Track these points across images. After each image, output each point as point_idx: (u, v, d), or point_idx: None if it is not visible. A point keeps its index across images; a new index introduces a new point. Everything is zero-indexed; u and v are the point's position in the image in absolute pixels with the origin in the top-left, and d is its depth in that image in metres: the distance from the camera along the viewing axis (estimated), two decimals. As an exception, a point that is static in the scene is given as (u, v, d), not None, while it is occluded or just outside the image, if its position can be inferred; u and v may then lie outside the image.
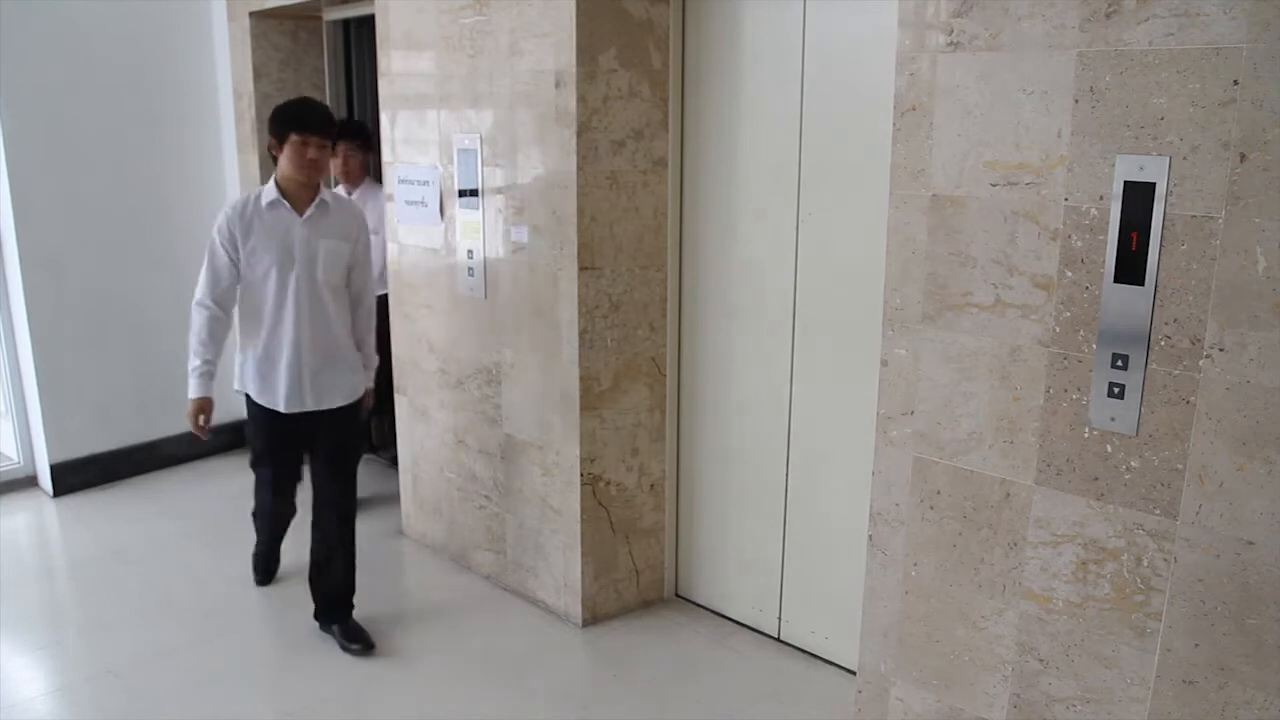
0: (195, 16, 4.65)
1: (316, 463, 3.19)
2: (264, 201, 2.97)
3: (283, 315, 3.00)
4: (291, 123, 2.92)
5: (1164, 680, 1.96)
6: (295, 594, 3.48)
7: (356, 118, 4.66)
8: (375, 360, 3.29)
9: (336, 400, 3.12)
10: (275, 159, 2.98)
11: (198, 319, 3.01)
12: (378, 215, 4.02)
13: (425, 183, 3.57)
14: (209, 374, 3.03)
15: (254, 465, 3.40)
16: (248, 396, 3.13)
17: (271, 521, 3.53)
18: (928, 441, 2.26)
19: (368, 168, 4.35)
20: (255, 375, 3.06)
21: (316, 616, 3.26)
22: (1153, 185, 1.84)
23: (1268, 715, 1.84)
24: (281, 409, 3.06)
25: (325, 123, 2.96)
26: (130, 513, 4.30)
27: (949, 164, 2.12)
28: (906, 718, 2.42)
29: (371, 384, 3.29)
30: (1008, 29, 2.00)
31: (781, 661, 3.10)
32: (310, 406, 3.08)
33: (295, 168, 2.93)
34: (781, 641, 3.20)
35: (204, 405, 3.06)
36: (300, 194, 2.99)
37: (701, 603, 3.43)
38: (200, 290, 3.02)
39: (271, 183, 2.99)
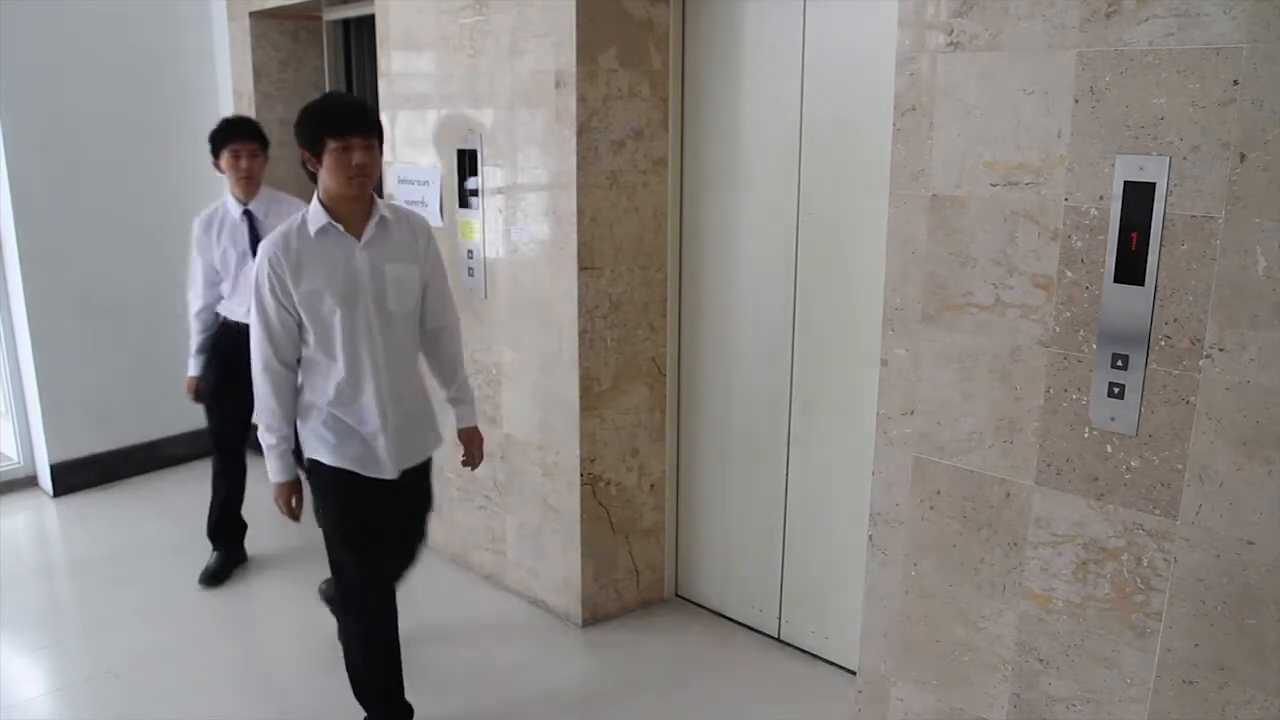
0: (195, 16, 4.65)
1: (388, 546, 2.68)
2: (312, 229, 2.42)
3: (357, 360, 2.47)
4: (325, 126, 2.37)
5: (1164, 680, 1.96)
6: (296, 594, 3.49)
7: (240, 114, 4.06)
8: (472, 394, 2.81)
9: (421, 455, 2.65)
10: (313, 175, 2.44)
11: (265, 386, 2.46)
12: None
13: (425, 183, 3.57)
14: (290, 449, 2.52)
15: (341, 556, 2.59)
16: (314, 466, 2.55)
17: (385, 647, 2.71)
18: (928, 441, 2.26)
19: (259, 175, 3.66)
20: (330, 435, 2.50)
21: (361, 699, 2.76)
22: (1153, 185, 1.84)
23: (1268, 715, 1.84)
24: (387, 473, 2.52)
25: (366, 119, 2.43)
26: (130, 513, 4.30)
27: (949, 164, 2.12)
28: (906, 718, 2.42)
29: (474, 420, 2.80)
30: (1008, 29, 2.00)
31: (781, 661, 3.10)
32: (404, 464, 2.58)
33: (340, 180, 2.38)
34: (781, 641, 3.20)
35: (295, 488, 2.55)
36: (352, 212, 2.45)
37: (701, 603, 3.43)
38: (259, 354, 2.47)
39: (315, 204, 2.44)
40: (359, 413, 2.48)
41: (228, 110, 4.67)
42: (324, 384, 2.47)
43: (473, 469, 2.84)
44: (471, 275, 3.44)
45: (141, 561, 3.82)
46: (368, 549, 2.56)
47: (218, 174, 3.55)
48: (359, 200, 2.44)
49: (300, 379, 2.53)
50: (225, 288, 3.57)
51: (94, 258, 4.43)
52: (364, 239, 2.45)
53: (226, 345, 3.52)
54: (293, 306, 2.41)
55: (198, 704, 2.89)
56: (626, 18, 2.98)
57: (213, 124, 3.51)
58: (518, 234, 3.24)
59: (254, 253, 3.24)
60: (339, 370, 2.45)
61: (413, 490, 2.66)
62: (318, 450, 2.50)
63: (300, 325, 2.44)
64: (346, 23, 4.53)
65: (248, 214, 3.52)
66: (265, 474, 2.54)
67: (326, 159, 2.36)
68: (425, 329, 2.64)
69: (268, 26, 4.48)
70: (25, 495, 4.50)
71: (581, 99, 2.94)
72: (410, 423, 2.57)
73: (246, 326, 3.16)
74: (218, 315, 3.61)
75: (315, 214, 2.42)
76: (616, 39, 2.97)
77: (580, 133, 2.96)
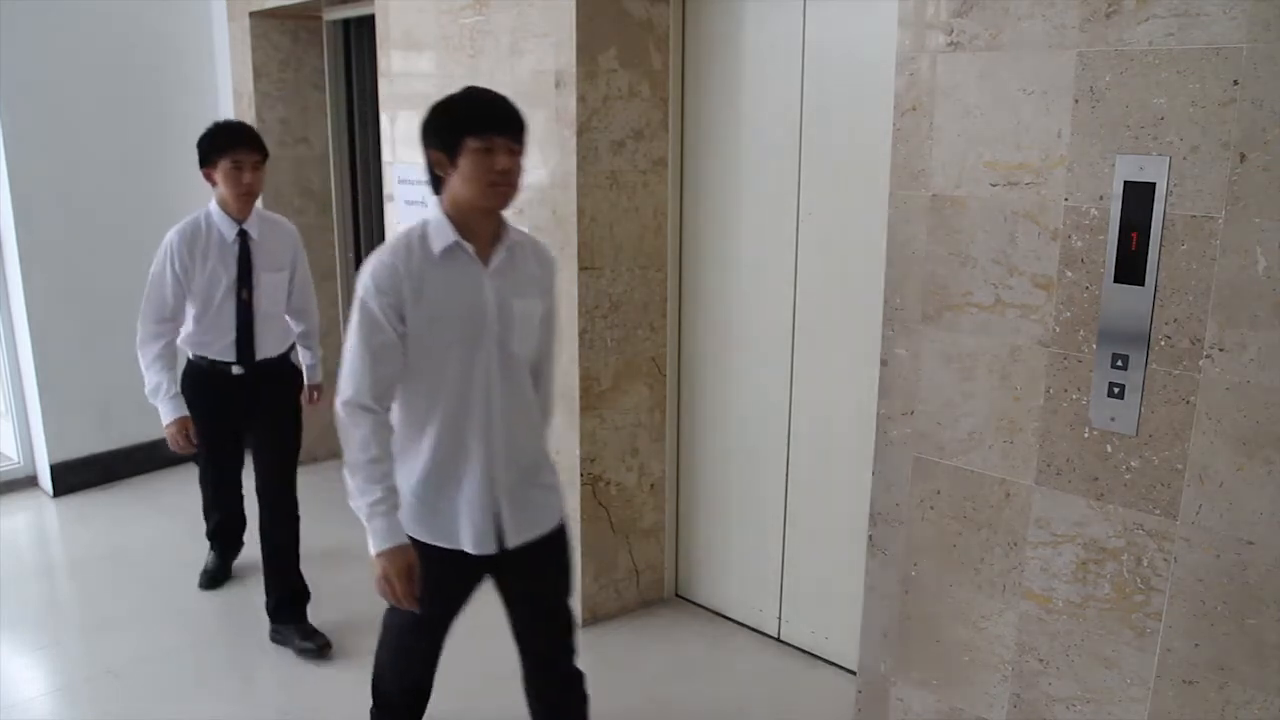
0: (195, 16, 4.65)
1: (526, 623, 2.22)
2: (436, 246, 1.96)
3: (467, 410, 2.01)
4: (466, 122, 1.94)
5: (1164, 680, 1.96)
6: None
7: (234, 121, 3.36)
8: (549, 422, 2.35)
9: (542, 527, 2.13)
10: (441, 180, 2.00)
11: (359, 429, 1.95)
12: (284, 256, 3.16)
13: (425, 183, 3.56)
14: (396, 507, 1.98)
15: (401, 639, 2.21)
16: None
17: None
18: (928, 441, 2.26)
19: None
20: (417, 504, 2.05)
21: None
22: (1153, 185, 1.84)
23: (1268, 715, 1.84)
24: (469, 548, 2.05)
25: (516, 118, 1.97)
26: (130, 513, 4.30)
27: (949, 164, 2.12)
28: (906, 718, 2.42)
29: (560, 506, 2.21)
30: (1008, 29, 2.00)
31: (781, 661, 3.10)
32: (510, 543, 2.08)
33: (477, 188, 1.92)
34: (781, 641, 3.20)
35: (408, 555, 1.97)
36: (482, 230, 2.00)
37: (701, 603, 3.43)
38: (351, 386, 1.95)
39: (439, 217, 1.99)
40: (456, 474, 2.03)
41: (228, 110, 4.67)
42: (415, 435, 2.03)
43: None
44: (471, 275, 3.44)
45: (141, 561, 3.82)
46: (435, 650, 2.18)
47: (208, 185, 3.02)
48: (491, 217, 2.01)
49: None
50: (190, 318, 3.07)
51: (94, 258, 4.43)
52: (492, 265, 2.00)
53: (209, 383, 3.12)
54: (402, 332, 1.95)
55: (198, 704, 2.89)
56: (626, 18, 2.98)
57: (212, 124, 3.09)
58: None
59: (244, 281, 3.04)
60: (442, 419, 2.01)
61: (541, 568, 2.16)
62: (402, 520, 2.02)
63: (405, 361, 1.99)
64: (346, 23, 4.53)
65: (242, 235, 3.04)
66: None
67: (463, 162, 1.92)
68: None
69: (268, 26, 4.48)
70: (25, 495, 4.50)
71: (581, 99, 2.94)
72: (526, 489, 2.10)
73: (224, 366, 3.08)
74: (178, 351, 3.14)
75: (440, 227, 1.97)
76: (616, 39, 2.97)
77: (580, 133, 2.96)
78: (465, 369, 1.98)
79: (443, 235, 1.97)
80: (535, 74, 3.05)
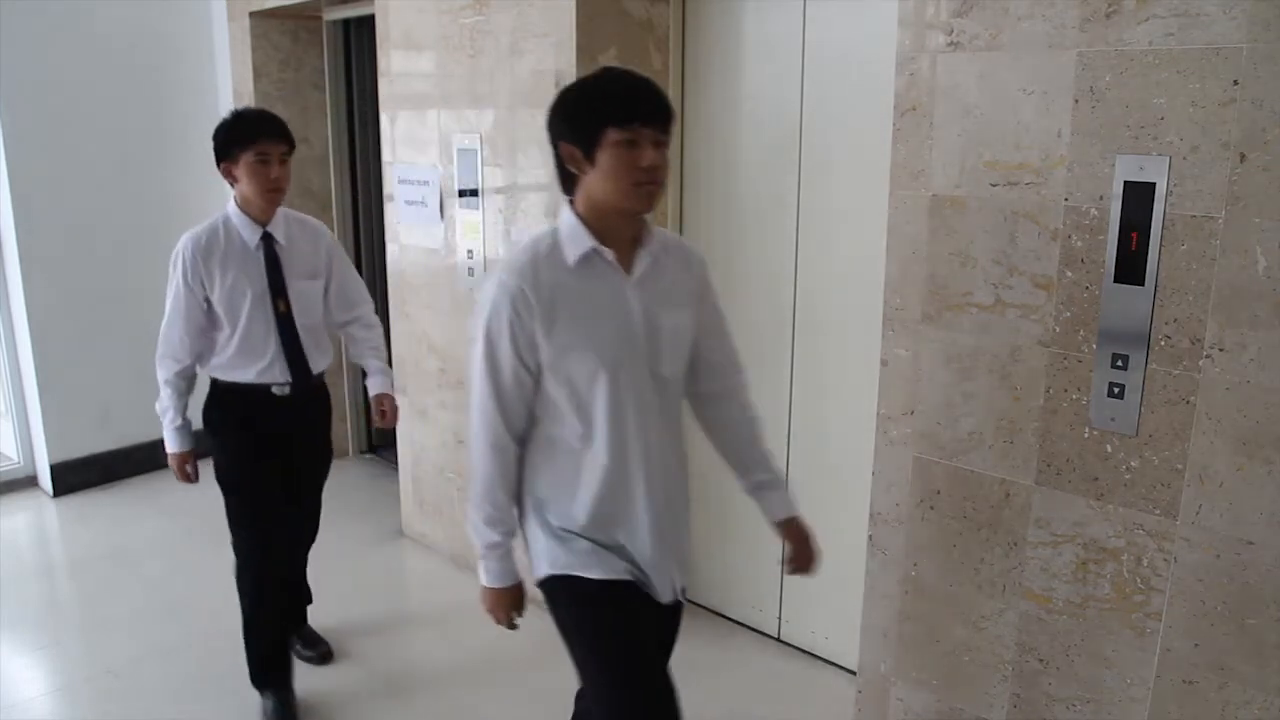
0: (195, 16, 4.65)
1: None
2: (570, 255, 1.69)
3: (623, 441, 1.74)
4: (607, 110, 1.66)
5: (1164, 680, 1.96)
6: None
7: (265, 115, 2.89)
8: (783, 474, 2.24)
9: (685, 578, 1.93)
10: (574, 178, 1.72)
11: (491, 469, 1.76)
12: (316, 261, 2.76)
13: (425, 183, 3.57)
14: (511, 551, 1.84)
15: (612, 704, 1.83)
16: (554, 586, 1.83)
17: None
18: (928, 441, 2.26)
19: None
20: (584, 547, 1.78)
21: None
22: (1153, 185, 1.84)
23: (1268, 715, 1.84)
24: (662, 595, 1.84)
25: (664, 106, 1.74)
26: (130, 513, 4.30)
27: (949, 164, 2.12)
28: (906, 718, 2.42)
29: (796, 509, 2.09)
30: (1008, 29, 2.00)
31: (781, 661, 3.10)
32: (677, 587, 1.88)
33: (621, 188, 1.65)
34: (781, 641, 3.19)
35: (515, 593, 1.89)
36: (622, 234, 1.73)
37: (701, 603, 3.43)
38: (486, 423, 1.74)
39: (571, 220, 1.72)
40: (618, 512, 1.77)
41: (228, 110, 4.66)
42: (565, 472, 1.77)
43: (804, 572, 2.06)
44: (472, 275, 3.44)
45: (141, 561, 3.82)
46: (653, 696, 1.78)
47: (218, 174, 2.57)
48: (634, 219, 1.73)
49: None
50: (221, 340, 2.64)
51: (94, 258, 4.43)
52: (635, 273, 1.73)
53: (247, 409, 2.67)
54: (535, 362, 1.70)
55: (198, 704, 2.89)
56: (626, 18, 2.98)
57: (212, 124, 2.67)
58: (518, 234, 3.24)
59: (275, 292, 2.63)
60: (595, 459, 1.74)
61: (672, 625, 1.96)
62: (556, 562, 1.79)
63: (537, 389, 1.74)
64: (346, 23, 4.53)
65: (267, 239, 2.62)
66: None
67: (603, 156, 1.64)
68: (700, 392, 1.96)
69: (268, 26, 4.48)
70: (25, 495, 4.50)
71: (581, 99, 2.93)
72: (679, 533, 1.88)
73: (263, 388, 2.65)
74: (202, 378, 2.73)
75: (573, 233, 1.70)
76: (616, 39, 2.97)
77: (580, 133, 2.95)
78: (615, 397, 1.71)
79: (577, 242, 1.69)
80: (535, 74, 3.05)
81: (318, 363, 2.77)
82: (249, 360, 2.64)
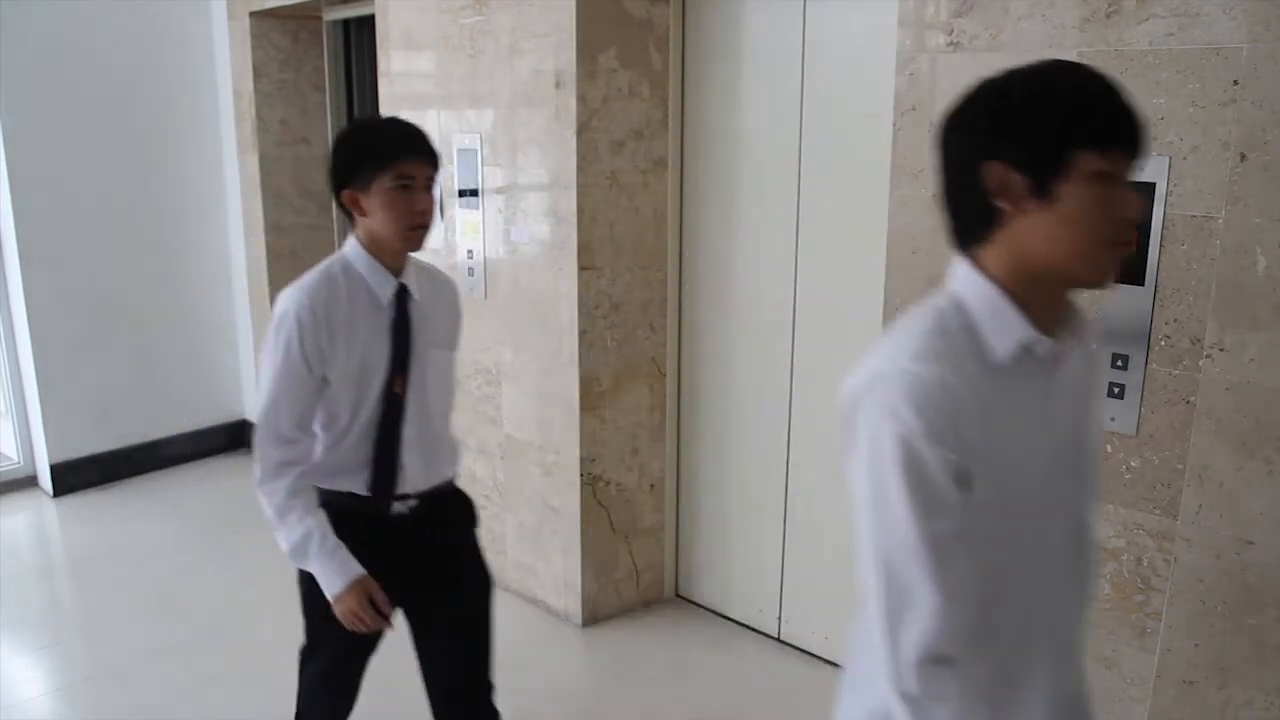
0: (195, 16, 4.65)
1: None
2: (998, 349, 1.13)
3: (1030, 626, 1.19)
4: (1077, 129, 1.06)
5: (1164, 680, 1.96)
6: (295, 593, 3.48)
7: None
8: None
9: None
10: (989, 223, 1.15)
11: (935, 704, 1.11)
12: (452, 325, 2.08)
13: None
14: None
15: None
16: None
17: None
18: (928, 441, 2.26)
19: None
20: None
21: None
22: (1153, 185, 1.84)
23: (1268, 715, 1.84)
24: None
25: (1141, 125, 1.11)
26: (130, 513, 4.30)
27: (949, 164, 2.12)
28: (906, 718, 2.41)
29: None
30: (1008, 29, 2.00)
31: (781, 661, 3.10)
32: None
33: (1094, 247, 1.12)
34: (781, 641, 3.20)
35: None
36: (1052, 307, 1.18)
37: (701, 603, 3.43)
38: (926, 619, 1.09)
39: (992, 295, 1.15)
40: (1024, 681, 1.18)
41: (228, 110, 4.67)
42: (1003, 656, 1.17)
43: None
44: (471, 275, 3.44)
45: (141, 561, 3.82)
46: None
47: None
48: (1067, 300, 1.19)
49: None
50: (320, 430, 1.92)
51: (94, 258, 4.43)
52: (1064, 369, 1.18)
53: (357, 534, 1.90)
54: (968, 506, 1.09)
55: (198, 704, 2.89)
56: (626, 18, 2.98)
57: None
58: (518, 234, 3.24)
59: (400, 364, 1.91)
60: (996, 643, 1.15)
61: None
62: None
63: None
64: (346, 23, 4.53)
65: (402, 294, 1.91)
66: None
67: (1068, 194, 1.08)
68: None
69: (268, 26, 4.48)
70: (25, 495, 4.50)
71: (581, 99, 2.94)
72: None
73: (366, 501, 1.93)
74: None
75: (995, 310, 1.14)
76: (616, 39, 2.97)
77: (580, 133, 2.96)
78: (1036, 557, 1.17)
79: (1008, 328, 1.13)
80: (535, 74, 3.05)
81: (438, 467, 2.03)
82: (362, 455, 1.93)
